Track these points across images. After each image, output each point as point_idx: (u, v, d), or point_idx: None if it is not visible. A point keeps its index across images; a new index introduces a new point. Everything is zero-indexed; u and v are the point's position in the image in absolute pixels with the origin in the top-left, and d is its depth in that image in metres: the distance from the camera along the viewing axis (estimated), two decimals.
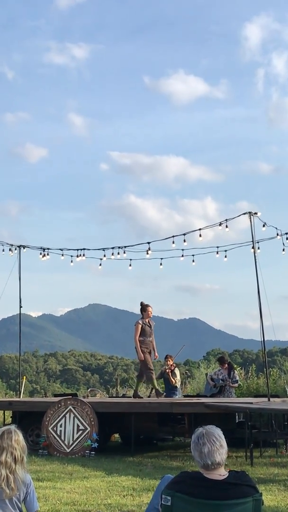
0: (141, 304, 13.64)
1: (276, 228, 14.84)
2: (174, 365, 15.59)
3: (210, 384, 15.24)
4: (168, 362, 15.51)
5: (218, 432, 3.78)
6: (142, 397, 13.74)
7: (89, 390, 20.00)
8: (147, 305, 13.60)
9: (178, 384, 15.66)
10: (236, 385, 15.32)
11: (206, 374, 16.40)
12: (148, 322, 13.53)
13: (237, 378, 15.42)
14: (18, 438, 4.51)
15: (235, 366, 18.35)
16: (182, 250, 15.67)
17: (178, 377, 15.65)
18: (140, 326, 13.42)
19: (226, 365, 15.26)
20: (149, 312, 13.56)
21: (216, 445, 3.69)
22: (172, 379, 15.25)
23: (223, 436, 3.77)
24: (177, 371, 15.63)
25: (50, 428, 12.28)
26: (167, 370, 15.33)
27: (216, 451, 3.67)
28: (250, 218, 13.68)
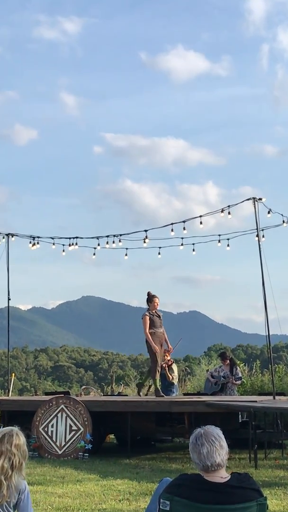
0: (148, 294, 13.58)
1: (282, 215, 14.83)
2: (172, 360, 15.60)
3: (210, 382, 15.26)
4: (165, 357, 15.50)
5: (217, 432, 3.79)
6: (163, 395, 13.56)
7: (82, 388, 20.05)
8: (153, 296, 13.53)
9: (176, 381, 15.66)
10: (239, 382, 15.36)
11: (207, 371, 16.40)
12: (156, 313, 13.46)
13: (240, 374, 15.46)
14: (18, 443, 4.42)
15: (237, 362, 18.38)
16: (182, 238, 15.67)
17: (176, 373, 15.66)
18: (148, 317, 13.33)
19: (228, 361, 15.30)
20: (156, 303, 13.46)
21: (216, 445, 3.69)
22: (169, 375, 15.24)
23: (223, 436, 3.77)
24: (174, 367, 15.65)
25: (40, 429, 12.30)
26: (164, 365, 15.34)
27: (216, 451, 3.68)
28: (254, 204, 13.67)
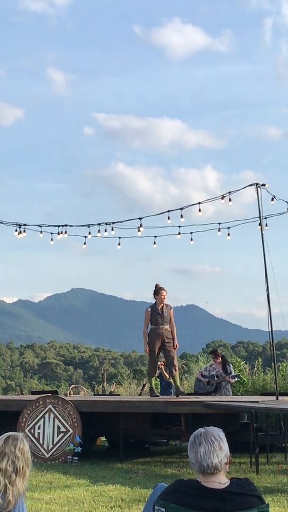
0: (156, 286, 13.45)
1: (287, 202, 14.83)
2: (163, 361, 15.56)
3: (202, 381, 15.26)
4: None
5: (218, 433, 3.79)
6: (158, 395, 13.58)
7: (71, 387, 20.07)
8: (161, 288, 13.37)
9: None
10: (233, 380, 15.32)
11: (205, 370, 16.41)
12: (162, 308, 13.29)
13: (233, 372, 15.50)
14: (23, 447, 4.37)
15: (238, 360, 18.43)
16: (179, 227, 15.69)
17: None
18: (148, 313, 13.29)
19: (220, 358, 15.32)
20: (162, 297, 13.29)
21: (214, 446, 3.70)
22: (166, 375, 15.27)
23: (224, 438, 3.77)
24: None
25: (26, 431, 12.31)
26: (160, 365, 15.36)
27: (214, 452, 3.68)
28: (257, 190, 13.68)
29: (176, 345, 13.45)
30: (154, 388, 13.51)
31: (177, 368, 13.39)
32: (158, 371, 15.35)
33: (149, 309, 13.34)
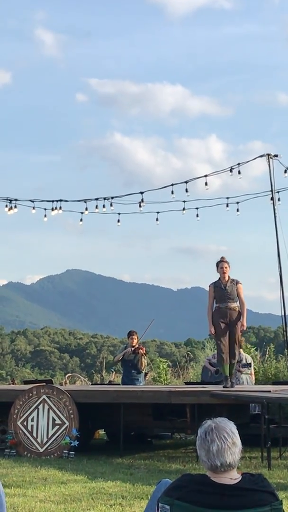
0: (221, 259, 12.88)
1: None
2: (142, 346, 15.40)
3: (210, 370, 15.25)
4: (133, 341, 15.27)
5: (230, 427, 3.77)
6: (232, 385, 12.91)
7: (67, 376, 20.10)
8: (220, 261, 12.77)
9: (145, 370, 15.48)
10: (244, 370, 15.23)
11: (213, 357, 16.39)
12: (226, 283, 12.60)
13: (247, 360, 15.41)
14: None
15: (249, 346, 18.42)
16: (184, 202, 15.67)
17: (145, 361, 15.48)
18: (211, 289, 12.69)
19: None
20: (224, 268, 12.65)
21: (228, 443, 3.68)
22: (144, 362, 15.07)
23: (236, 432, 3.76)
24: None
25: (19, 423, 12.36)
26: (140, 349, 15.07)
27: (228, 449, 3.67)
28: (269, 161, 13.65)
29: (243, 326, 12.66)
30: (228, 377, 12.66)
31: (236, 356, 12.77)
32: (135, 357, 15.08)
33: (211, 285, 12.73)
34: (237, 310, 12.52)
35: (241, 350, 15.33)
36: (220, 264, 12.63)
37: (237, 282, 12.64)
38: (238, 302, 12.57)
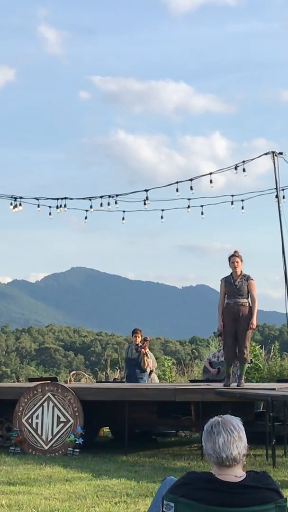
0: (234, 253, 12.55)
1: None
2: (146, 345, 15.29)
3: (210, 372, 15.21)
4: (136, 339, 15.23)
5: (236, 422, 3.79)
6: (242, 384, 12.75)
7: (72, 373, 20.10)
8: (232, 255, 12.43)
9: (149, 369, 15.44)
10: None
11: (214, 356, 16.34)
12: (237, 278, 12.29)
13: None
14: None
15: (253, 344, 18.41)
16: (189, 199, 15.65)
17: (152, 360, 15.43)
18: (222, 284, 12.43)
19: None
20: (235, 263, 12.32)
21: (234, 436, 3.69)
22: (146, 361, 15.03)
23: (243, 428, 3.76)
24: (150, 354, 15.38)
25: (24, 420, 12.37)
26: (145, 347, 15.03)
27: (234, 442, 3.67)
28: (274, 159, 13.64)
29: (253, 324, 12.28)
30: (230, 375, 12.54)
31: (246, 355, 12.39)
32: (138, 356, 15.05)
33: (222, 280, 12.47)
34: (247, 306, 12.22)
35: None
36: (232, 259, 12.33)
37: (249, 278, 12.34)
38: (249, 298, 12.28)
